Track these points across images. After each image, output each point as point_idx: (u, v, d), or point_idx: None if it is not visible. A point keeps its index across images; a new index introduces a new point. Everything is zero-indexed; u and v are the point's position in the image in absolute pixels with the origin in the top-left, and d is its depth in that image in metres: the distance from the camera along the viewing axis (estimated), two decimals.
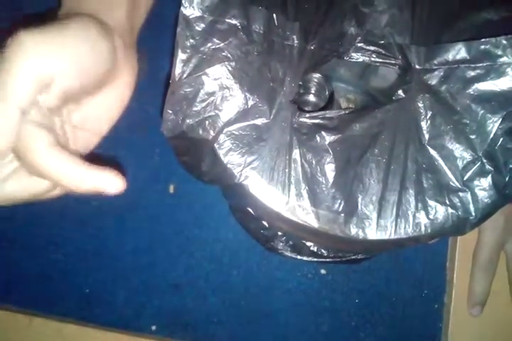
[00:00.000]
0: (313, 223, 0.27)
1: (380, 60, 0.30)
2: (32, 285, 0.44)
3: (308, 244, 0.39)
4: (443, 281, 0.44)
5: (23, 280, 0.44)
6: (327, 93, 0.33)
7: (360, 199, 0.27)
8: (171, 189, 0.44)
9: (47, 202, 0.43)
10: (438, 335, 0.44)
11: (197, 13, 0.27)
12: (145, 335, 0.44)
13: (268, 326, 0.44)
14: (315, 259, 0.40)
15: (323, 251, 0.39)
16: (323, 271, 0.44)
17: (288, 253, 0.39)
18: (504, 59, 0.27)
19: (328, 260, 0.39)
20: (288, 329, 0.44)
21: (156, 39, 0.42)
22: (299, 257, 0.39)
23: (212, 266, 0.44)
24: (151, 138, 0.44)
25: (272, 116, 0.28)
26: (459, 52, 0.28)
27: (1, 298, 0.44)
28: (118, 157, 0.44)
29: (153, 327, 0.44)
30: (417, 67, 0.28)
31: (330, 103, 0.34)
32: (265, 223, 0.38)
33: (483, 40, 0.27)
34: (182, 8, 0.27)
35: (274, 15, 0.28)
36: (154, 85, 0.42)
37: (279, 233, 0.39)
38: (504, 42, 0.27)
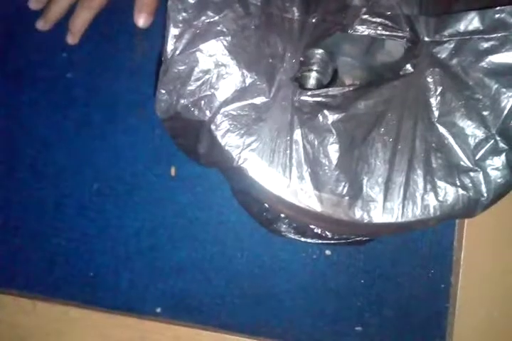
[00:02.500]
0: (316, 207, 0.26)
1: (387, 33, 0.28)
2: (35, 269, 0.44)
3: (312, 226, 0.38)
4: (450, 261, 0.43)
5: (26, 265, 0.44)
6: (330, 69, 0.31)
7: (365, 181, 0.26)
8: (173, 171, 0.44)
9: (46, 188, 0.43)
10: (444, 315, 0.43)
11: None
12: (150, 318, 0.44)
13: (273, 308, 0.44)
14: (319, 241, 0.39)
15: (327, 232, 0.38)
16: (328, 252, 0.44)
17: (291, 235, 0.39)
18: None
19: (332, 242, 0.38)
20: (293, 311, 0.43)
21: None
22: (302, 239, 0.39)
23: (216, 248, 0.43)
24: (149, 119, 0.43)
25: (271, 95, 0.27)
26: (471, 22, 0.26)
27: (5, 283, 0.44)
28: (116, 140, 0.43)
29: (158, 310, 0.44)
30: (426, 39, 0.27)
31: (333, 80, 0.32)
32: (267, 205, 0.37)
33: (498, 8, 0.25)
34: None
35: None
36: (150, 63, 0.41)
37: (282, 215, 0.38)
38: None
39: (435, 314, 0.43)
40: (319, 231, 0.39)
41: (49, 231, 0.44)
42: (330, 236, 0.39)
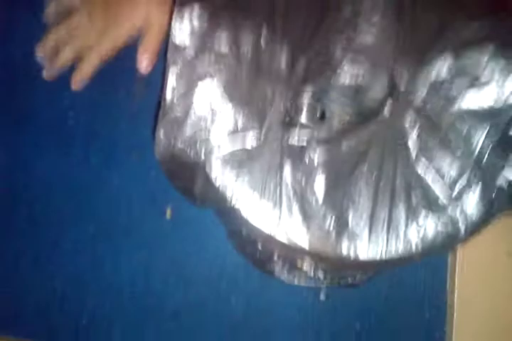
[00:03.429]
0: (305, 243, 0.27)
1: (367, 81, 0.31)
2: (31, 315, 0.43)
3: (305, 268, 0.39)
4: (443, 304, 0.43)
5: (20, 312, 0.44)
6: (318, 112, 0.33)
7: (350, 217, 0.27)
8: (168, 214, 0.44)
9: (42, 230, 0.43)
10: None
11: (186, 39, 0.28)
12: None
13: None
14: (312, 284, 0.39)
15: (319, 275, 0.39)
16: (322, 296, 0.44)
17: (284, 278, 0.39)
18: (485, 76, 0.28)
19: (325, 285, 0.39)
20: None
21: None
22: (295, 282, 0.39)
23: (210, 292, 0.43)
24: (146, 162, 0.44)
25: (262, 138, 0.29)
26: (441, 71, 0.29)
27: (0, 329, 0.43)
28: (113, 182, 0.44)
29: None
30: (402, 87, 0.29)
31: (321, 122, 0.34)
32: (260, 247, 0.38)
33: (463, 59, 0.28)
34: (172, 35, 0.28)
35: (262, 39, 0.29)
36: (148, 107, 0.43)
37: (275, 257, 0.39)
38: (484, 60, 0.28)
39: None
40: (312, 274, 0.39)
41: (44, 276, 0.44)
42: (322, 278, 0.39)
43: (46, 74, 0.41)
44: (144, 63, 0.35)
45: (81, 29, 0.39)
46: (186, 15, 0.28)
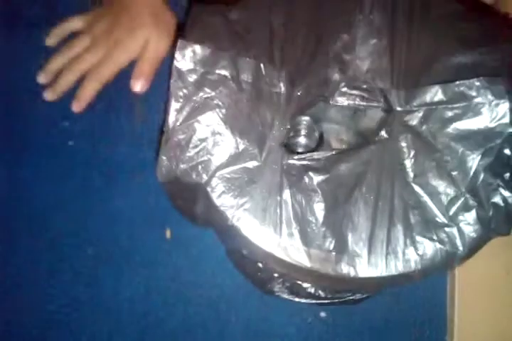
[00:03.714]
0: (305, 262, 0.28)
1: (364, 104, 0.31)
2: (28, 339, 0.43)
3: (305, 285, 0.39)
4: (444, 320, 0.43)
5: (20, 334, 0.43)
6: (316, 134, 0.34)
7: (350, 237, 0.28)
8: (168, 234, 0.44)
9: (41, 252, 0.43)
10: None
11: (189, 65, 0.29)
12: None
13: None
14: (313, 301, 0.39)
15: (320, 292, 0.39)
16: (323, 314, 0.44)
17: (285, 296, 0.39)
18: (478, 99, 0.29)
19: (326, 301, 0.39)
20: None
21: (151, 86, 0.43)
22: (296, 299, 0.39)
23: (210, 313, 0.43)
24: (146, 184, 0.44)
25: (262, 159, 0.29)
26: (436, 94, 0.30)
27: None
28: (113, 204, 0.44)
29: None
30: (398, 109, 0.30)
31: (320, 144, 0.35)
32: (260, 265, 0.38)
33: (457, 82, 0.29)
34: (175, 61, 0.29)
35: (262, 65, 0.30)
36: (150, 130, 0.44)
37: (276, 275, 0.39)
38: (477, 83, 0.29)
39: None
40: (313, 291, 0.39)
41: (43, 298, 0.43)
42: (323, 295, 0.39)
43: (47, 97, 0.42)
44: (138, 86, 0.37)
45: (83, 53, 0.41)
46: (189, 43, 0.29)
